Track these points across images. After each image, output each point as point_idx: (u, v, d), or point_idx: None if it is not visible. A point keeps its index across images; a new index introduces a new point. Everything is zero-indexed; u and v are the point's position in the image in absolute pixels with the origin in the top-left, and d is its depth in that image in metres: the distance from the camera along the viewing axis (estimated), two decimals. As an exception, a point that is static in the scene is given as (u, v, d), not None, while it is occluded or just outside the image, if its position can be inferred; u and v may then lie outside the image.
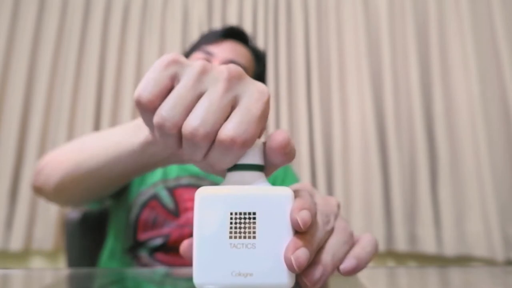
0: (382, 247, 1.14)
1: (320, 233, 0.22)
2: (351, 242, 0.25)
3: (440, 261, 1.16)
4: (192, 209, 0.62)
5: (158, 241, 0.60)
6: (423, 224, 1.14)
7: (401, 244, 1.14)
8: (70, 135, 1.27)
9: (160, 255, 0.60)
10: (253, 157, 0.23)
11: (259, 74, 0.76)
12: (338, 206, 0.27)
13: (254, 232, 0.21)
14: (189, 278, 0.29)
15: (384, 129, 1.25)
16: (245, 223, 0.21)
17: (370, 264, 1.20)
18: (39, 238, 1.18)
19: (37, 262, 1.23)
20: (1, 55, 1.30)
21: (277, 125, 1.28)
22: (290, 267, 0.20)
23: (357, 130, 1.24)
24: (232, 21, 1.35)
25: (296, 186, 0.26)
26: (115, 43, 1.32)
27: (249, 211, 0.21)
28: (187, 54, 0.74)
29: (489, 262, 1.10)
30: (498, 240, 1.05)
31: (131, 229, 0.62)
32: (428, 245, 1.12)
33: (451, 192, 1.15)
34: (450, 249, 1.10)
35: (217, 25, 1.34)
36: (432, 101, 1.23)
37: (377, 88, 1.28)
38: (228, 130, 0.20)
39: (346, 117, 1.27)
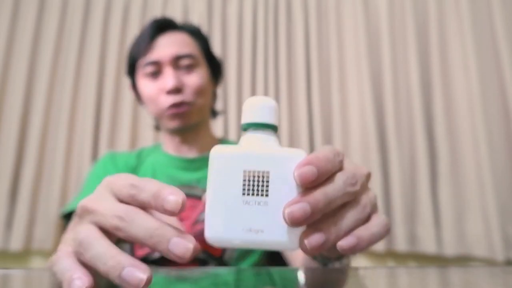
0: (382, 247, 1.14)
1: (335, 191, 0.22)
2: (365, 221, 0.24)
3: (440, 261, 1.16)
4: (186, 218, 0.62)
5: (156, 254, 0.60)
6: (423, 224, 1.14)
7: (401, 244, 1.13)
8: (70, 135, 1.27)
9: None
10: (270, 117, 0.24)
11: (205, 48, 0.73)
12: (368, 176, 0.26)
13: (266, 190, 0.21)
14: (192, 279, 0.29)
15: (384, 129, 1.25)
16: (258, 181, 0.21)
17: (370, 264, 1.20)
18: (39, 238, 1.18)
19: (37, 262, 1.23)
20: (1, 55, 1.30)
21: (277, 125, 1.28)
22: (284, 218, 0.21)
23: (357, 130, 1.24)
24: (232, 21, 1.35)
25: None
26: (115, 43, 1.32)
27: (263, 170, 0.21)
28: (131, 70, 0.71)
29: (489, 262, 1.10)
30: (498, 240, 1.05)
31: (127, 247, 0.61)
32: (428, 245, 1.12)
33: (451, 192, 1.15)
34: (450, 249, 1.10)
35: (217, 25, 1.34)
36: (432, 101, 1.23)
37: (377, 88, 1.28)
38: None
39: (346, 117, 1.27)
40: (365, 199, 0.24)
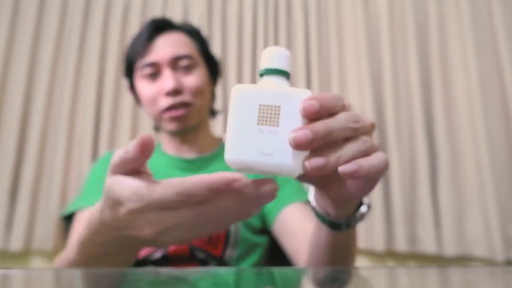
0: (382, 247, 1.14)
1: (336, 124, 0.26)
2: (365, 154, 0.27)
3: (440, 261, 1.16)
4: None
5: (157, 254, 0.60)
6: (423, 224, 1.14)
7: (401, 244, 1.13)
8: (70, 135, 1.27)
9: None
10: (283, 64, 0.27)
11: (203, 48, 0.72)
12: (372, 125, 0.29)
13: (277, 121, 0.25)
14: (192, 279, 0.29)
15: (384, 129, 1.25)
16: (270, 113, 0.25)
17: (370, 264, 1.20)
18: (39, 238, 1.18)
19: (37, 262, 1.23)
20: (1, 55, 1.30)
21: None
22: (289, 142, 0.25)
23: (357, 130, 1.24)
24: (232, 21, 1.35)
25: None
26: (115, 43, 1.32)
27: (275, 104, 0.25)
28: (128, 71, 0.71)
29: (489, 262, 1.10)
30: (498, 240, 1.05)
31: None
32: (428, 245, 1.12)
33: (451, 192, 1.15)
34: (450, 249, 1.10)
35: (217, 25, 1.34)
36: (432, 101, 1.23)
37: (377, 88, 1.28)
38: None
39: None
40: (366, 138, 0.27)
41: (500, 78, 1.19)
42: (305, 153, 0.25)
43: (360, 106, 1.26)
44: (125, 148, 0.27)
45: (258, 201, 0.25)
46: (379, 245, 1.14)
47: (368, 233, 1.17)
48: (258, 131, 0.25)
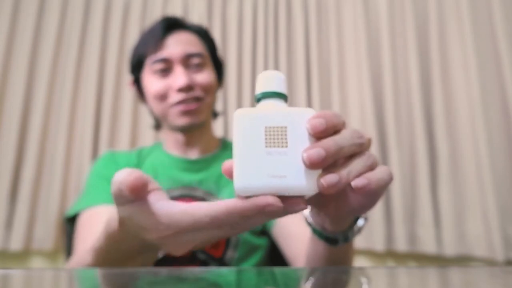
0: (382, 247, 1.14)
1: (344, 141, 0.26)
2: (371, 168, 0.28)
3: (440, 261, 1.16)
4: None
5: (158, 255, 0.60)
6: (423, 224, 1.14)
7: (401, 244, 1.14)
8: (70, 135, 1.27)
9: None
10: (279, 86, 0.27)
11: (211, 49, 0.73)
12: (370, 140, 0.30)
13: (285, 142, 0.25)
14: (192, 279, 0.29)
15: (384, 129, 1.25)
16: (277, 135, 0.25)
17: (370, 264, 1.20)
18: (39, 238, 1.18)
19: (37, 262, 1.23)
20: (1, 55, 1.30)
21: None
22: (303, 162, 0.24)
23: (357, 130, 1.24)
24: (232, 21, 1.35)
25: None
26: (115, 43, 1.32)
27: (281, 125, 0.25)
28: (135, 68, 0.71)
29: (489, 262, 1.10)
30: (498, 240, 1.05)
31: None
32: (428, 245, 1.12)
33: (451, 192, 1.15)
34: (450, 249, 1.11)
35: (217, 25, 1.34)
36: (432, 101, 1.23)
37: (377, 88, 1.28)
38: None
39: (346, 117, 1.27)
40: (369, 153, 0.29)
41: (500, 78, 1.19)
42: (317, 172, 0.25)
43: (360, 106, 1.26)
44: (119, 184, 0.26)
45: (284, 215, 0.26)
46: (379, 245, 1.14)
47: (368, 233, 1.17)
48: (267, 153, 0.24)
